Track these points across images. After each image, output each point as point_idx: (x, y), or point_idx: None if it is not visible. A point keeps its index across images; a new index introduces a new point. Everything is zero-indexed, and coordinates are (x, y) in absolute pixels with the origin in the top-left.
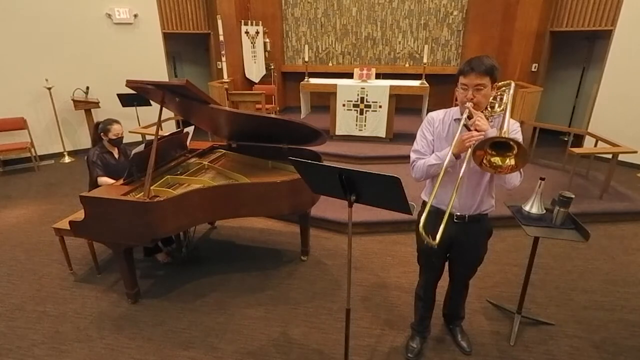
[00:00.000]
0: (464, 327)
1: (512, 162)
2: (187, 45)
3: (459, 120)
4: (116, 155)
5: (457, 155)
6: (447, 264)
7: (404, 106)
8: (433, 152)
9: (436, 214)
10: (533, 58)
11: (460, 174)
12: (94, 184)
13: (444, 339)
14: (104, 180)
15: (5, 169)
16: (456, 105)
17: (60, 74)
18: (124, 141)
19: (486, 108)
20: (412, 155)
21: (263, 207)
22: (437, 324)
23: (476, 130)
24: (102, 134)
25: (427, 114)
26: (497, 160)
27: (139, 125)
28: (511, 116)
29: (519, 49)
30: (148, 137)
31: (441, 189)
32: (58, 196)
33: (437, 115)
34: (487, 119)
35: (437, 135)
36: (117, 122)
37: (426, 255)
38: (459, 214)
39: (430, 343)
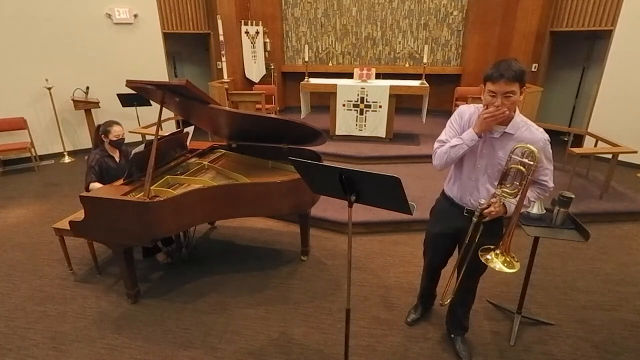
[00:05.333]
0: (466, 338)
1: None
2: (187, 45)
3: None
4: (117, 159)
5: (479, 135)
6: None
7: (404, 106)
8: None
9: (451, 204)
10: (533, 58)
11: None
12: (87, 189)
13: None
14: (94, 186)
15: (5, 169)
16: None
17: (60, 74)
18: (124, 141)
19: (502, 184)
20: (436, 145)
21: (263, 207)
22: (424, 315)
23: (490, 215)
24: (102, 135)
25: (425, 114)
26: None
27: (139, 125)
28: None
29: (519, 49)
30: (148, 137)
31: (459, 184)
32: (58, 196)
33: (469, 109)
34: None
35: (464, 129)
36: (117, 123)
37: (434, 237)
38: (470, 209)
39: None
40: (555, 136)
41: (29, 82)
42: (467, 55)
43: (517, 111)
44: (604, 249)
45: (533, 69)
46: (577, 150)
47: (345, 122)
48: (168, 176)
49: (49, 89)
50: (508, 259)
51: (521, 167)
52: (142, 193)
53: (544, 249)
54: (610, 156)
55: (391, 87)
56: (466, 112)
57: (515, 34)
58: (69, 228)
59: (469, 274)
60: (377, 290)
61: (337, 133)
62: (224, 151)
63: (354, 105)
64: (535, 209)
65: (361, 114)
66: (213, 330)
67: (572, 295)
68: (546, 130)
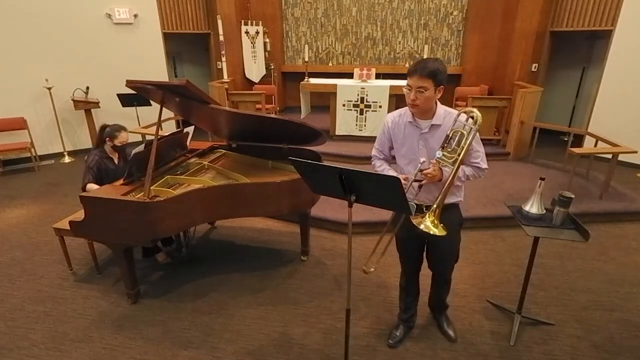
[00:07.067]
0: (449, 316)
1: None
2: (187, 45)
3: (411, 123)
4: (116, 161)
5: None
6: (426, 259)
7: (404, 106)
8: (391, 148)
9: None
10: (533, 58)
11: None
12: (84, 189)
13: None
14: (91, 187)
15: (5, 169)
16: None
17: (60, 74)
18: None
19: (443, 147)
20: (373, 151)
21: (263, 207)
22: (423, 315)
23: (427, 177)
24: (107, 138)
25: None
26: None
27: (139, 125)
28: (511, 116)
29: (519, 49)
30: (148, 137)
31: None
32: (58, 196)
33: (393, 117)
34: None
35: (393, 136)
36: (125, 129)
37: (401, 242)
38: (427, 204)
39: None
40: (555, 136)
41: (29, 82)
42: (467, 55)
43: (439, 104)
44: (604, 249)
45: (533, 69)
46: (577, 150)
47: (345, 122)
48: (168, 176)
49: (49, 89)
50: (436, 222)
51: (463, 131)
52: (142, 193)
53: (544, 249)
54: (610, 156)
55: (391, 87)
56: (391, 121)
57: (515, 34)
58: (69, 228)
59: (441, 263)
60: (377, 290)
61: (337, 133)
62: (224, 151)
63: (354, 105)
64: (535, 209)
65: (361, 114)
66: (213, 330)
67: (572, 295)
68: (546, 130)
